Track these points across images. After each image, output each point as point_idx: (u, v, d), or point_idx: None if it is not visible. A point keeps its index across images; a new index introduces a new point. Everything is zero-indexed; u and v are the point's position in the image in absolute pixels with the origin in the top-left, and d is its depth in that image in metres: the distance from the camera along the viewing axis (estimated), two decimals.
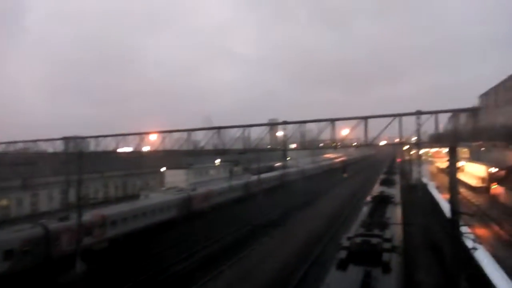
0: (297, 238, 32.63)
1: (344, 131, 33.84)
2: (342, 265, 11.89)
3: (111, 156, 45.13)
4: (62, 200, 45.91)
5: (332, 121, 25.67)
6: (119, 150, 49.36)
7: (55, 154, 38.36)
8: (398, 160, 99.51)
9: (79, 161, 31.11)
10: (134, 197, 45.73)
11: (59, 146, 38.12)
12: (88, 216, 28.30)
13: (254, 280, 22.95)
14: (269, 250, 29.29)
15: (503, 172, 49.82)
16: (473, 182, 58.96)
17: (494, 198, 48.44)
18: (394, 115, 24.92)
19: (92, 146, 40.18)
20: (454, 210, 12.32)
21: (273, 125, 30.08)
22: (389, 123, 24.62)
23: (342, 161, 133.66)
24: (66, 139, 34.50)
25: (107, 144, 37.14)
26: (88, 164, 40.38)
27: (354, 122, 28.25)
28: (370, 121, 27.96)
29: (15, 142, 55.90)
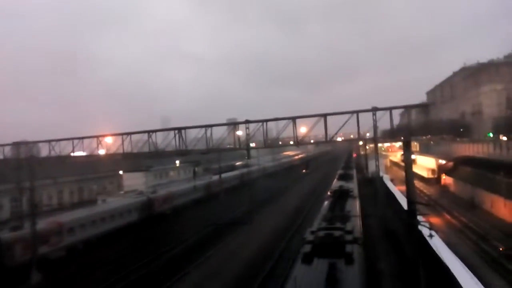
0: (260, 235, 32.94)
1: (302, 129, 34.58)
2: (307, 259, 12.11)
3: (65, 161, 43.36)
4: (13, 209, 43.51)
5: (293, 119, 26.24)
6: (73, 154, 47.33)
7: (3, 161, 36.14)
8: (354, 155, 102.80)
9: (30, 167, 29.57)
10: (91, 202, 44.18)
11: (8, 152, 35.92)
12: (43, 224, 27.03)
13: (221, 279, 22.96)
14: (233, 249, 29.39)
15: (451, 164, 52.99)
16: (424, 174, 62.28)
17: (444, 188, 51.43)
18: (351, 112, 25.90)
19: (45, 151, 38.32)
20: (410, 200, 13.00)
21: (235, 124, 30.18)
22: (347, 120, 25.61)
23: (301, 158, 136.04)
24: (16, 144, 32.61)
25: (61, 149, 35.53)
26: (40, 170, 38.41)
27: (313, 120, 29.12)
28: (328, 118, 28.89)
29: None
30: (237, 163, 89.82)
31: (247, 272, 23.90)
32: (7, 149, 33.61)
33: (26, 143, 34.45)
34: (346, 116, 27.20)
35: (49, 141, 34.10)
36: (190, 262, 25.97)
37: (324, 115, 26.37)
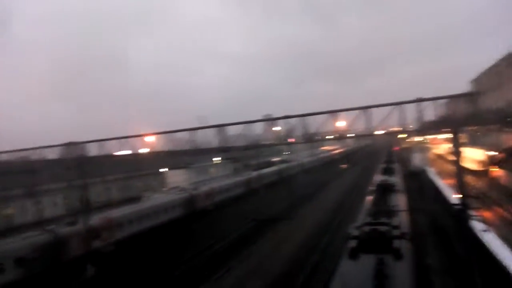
0: (301, 230, 32.86)
1: (339, 123, 33.96)
2: (354, 254, 12.01)
3: (111, 159, 45.34)
4: (66, 206, 45.98)
5: (333, 112, 25.86)
6: (118, 153, 49.17)
7: (56, 160, 38.45)
8: (396, 148, 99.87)
9: (81, 166, 31.16)
10: (136, 199, 45.89)
11: (59, 152, 38.21)
12: (95, 219, 28.43)
13: (264, 274, 23.18)
14: (275, 244, 29.54)
15: (502, 155, 50.28)
16: (472, 166, 59.35)
17: (493, 181, 48.90)
18: (394, 104, 25.11)
19: (94, 151, 40.42)
20: (461, 193, 12.51)
21: (275, 119, 30.22)
22: (390, 112, 24.89)
23: (340, 153, 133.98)
24: (68, 145, 34.55)
25: (108, 149, 37.29)
26: (89, 168, 40.43)
27: (352, 113, 28.61)
28: (368, 111, 28.26)
29: (16, 150, 55.58)
30: (275, 159, 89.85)
31: (290, 267, 23.99)
32: (60, 149, 35.78)
33: (77, 143, 36.26)
34: (387, 108, 26.54)
35: (98, 140, 35.89)
36: (232, 258, 26.41)
37: (366, 108, 25.75)
